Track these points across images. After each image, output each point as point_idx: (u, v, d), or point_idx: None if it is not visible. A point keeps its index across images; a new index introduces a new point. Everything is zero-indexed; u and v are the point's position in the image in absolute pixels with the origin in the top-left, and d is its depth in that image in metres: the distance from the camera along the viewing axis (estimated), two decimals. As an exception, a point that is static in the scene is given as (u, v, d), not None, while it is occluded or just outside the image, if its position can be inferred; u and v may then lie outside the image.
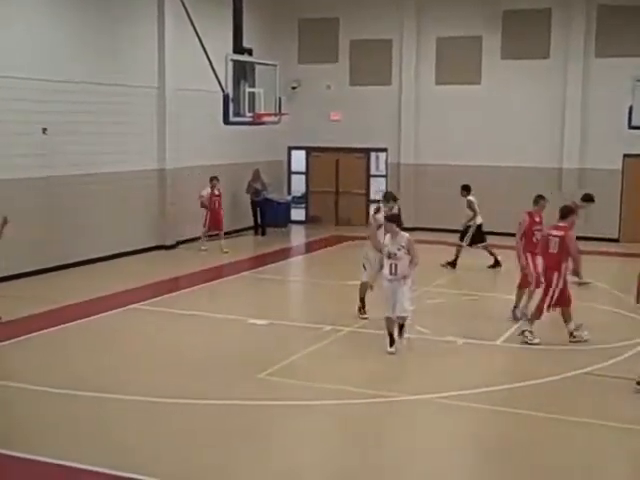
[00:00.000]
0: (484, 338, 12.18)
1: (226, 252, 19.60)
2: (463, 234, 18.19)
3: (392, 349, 11.32)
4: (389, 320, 11.41)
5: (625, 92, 19.37)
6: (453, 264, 18.05)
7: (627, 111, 18.80)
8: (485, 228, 18.37)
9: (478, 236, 18.11)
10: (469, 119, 23.47)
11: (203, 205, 20.00)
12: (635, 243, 21.06)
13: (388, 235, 11.34)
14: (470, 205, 18.10)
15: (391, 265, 11.16)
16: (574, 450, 8.27)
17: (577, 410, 9.31)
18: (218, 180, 20.17)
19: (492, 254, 18.05)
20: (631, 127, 19.26)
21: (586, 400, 9.76)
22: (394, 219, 11.48)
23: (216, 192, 20.15)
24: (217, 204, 20.21)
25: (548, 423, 8.86)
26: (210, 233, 20.25)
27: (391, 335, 11.42)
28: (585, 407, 9.47)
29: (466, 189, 18.34)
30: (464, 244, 18.11)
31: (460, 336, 12.22)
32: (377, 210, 13.07)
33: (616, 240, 22.01)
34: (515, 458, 8.06)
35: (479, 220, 18.09)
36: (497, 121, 23.22)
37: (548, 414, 9.06)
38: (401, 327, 11.56)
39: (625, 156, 22.11)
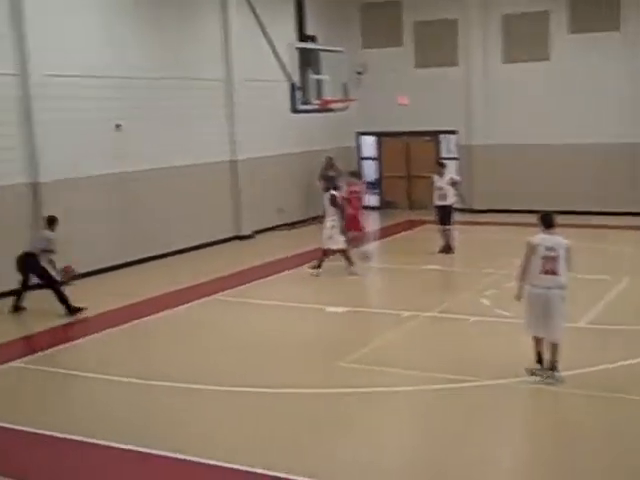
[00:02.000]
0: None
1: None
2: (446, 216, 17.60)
3: None
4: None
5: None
6: (447, 249, 17.55)
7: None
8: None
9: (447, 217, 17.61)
10: (539, 97, 23.05)
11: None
12: None
13: None
14: (454, 182, 17.70)
15: None
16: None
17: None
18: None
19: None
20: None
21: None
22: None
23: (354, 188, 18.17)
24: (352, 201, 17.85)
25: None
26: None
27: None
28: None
29: (442, 165, 17.97)
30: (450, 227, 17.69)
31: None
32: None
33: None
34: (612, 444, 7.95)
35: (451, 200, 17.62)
36: (568, 97, 22.71)
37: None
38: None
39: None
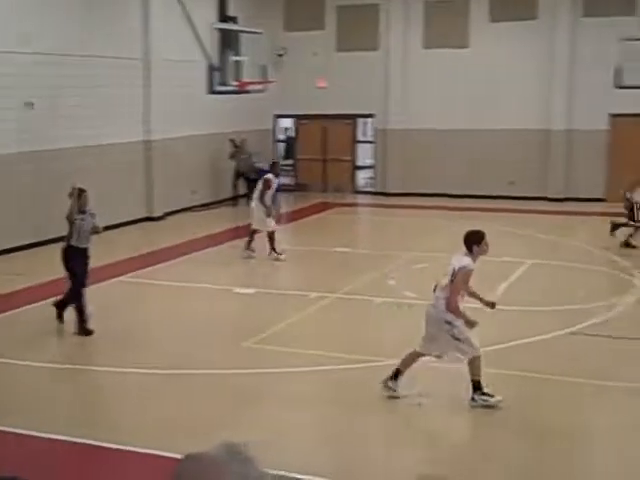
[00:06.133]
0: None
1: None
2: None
3: None
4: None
5: (612, 52, 19.34)
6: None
7: (614, 71, 18.77)
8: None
9: None
10: (458, 83, 23.36)
11: None
12: (622, 203, 21.00)
13: None
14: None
15: None
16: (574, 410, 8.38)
17: (563, 369, 9.41)
18: None
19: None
20: (618, 87, 19.30)
21: (576, 359, 9.86)
22: None
23: None
24: None
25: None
26: None
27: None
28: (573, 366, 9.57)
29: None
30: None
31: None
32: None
33: (603, 200, 22.04)
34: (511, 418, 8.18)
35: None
36: (486, 84, 23.08)
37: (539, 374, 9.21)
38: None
39: (612, 116, 22.09)
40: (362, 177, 25.95)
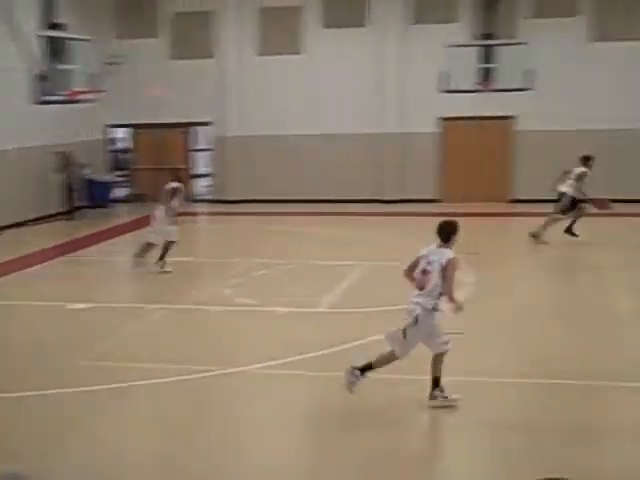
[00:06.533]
0: (306, 305, 12.38)
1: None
2: None
3: None
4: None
5: (439, 58, 20.02)
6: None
7: (441, 76, 19.48)
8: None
9: None
10: (293, 89, 23.56)
11: None
12: (456, 203, 21.85)
13: None
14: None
15: None
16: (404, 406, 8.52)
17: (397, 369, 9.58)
18: None
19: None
20: (445, 91, 20.03)
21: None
22: None
23: None
24: None
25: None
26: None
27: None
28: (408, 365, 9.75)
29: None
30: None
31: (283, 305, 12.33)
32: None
33: (439, 201, 22.81)
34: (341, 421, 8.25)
35: None
36: (320, 90, 23.42)
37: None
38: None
39: (441, 119, 22.88)
40: (201, 185, 25.78)
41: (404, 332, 8.26)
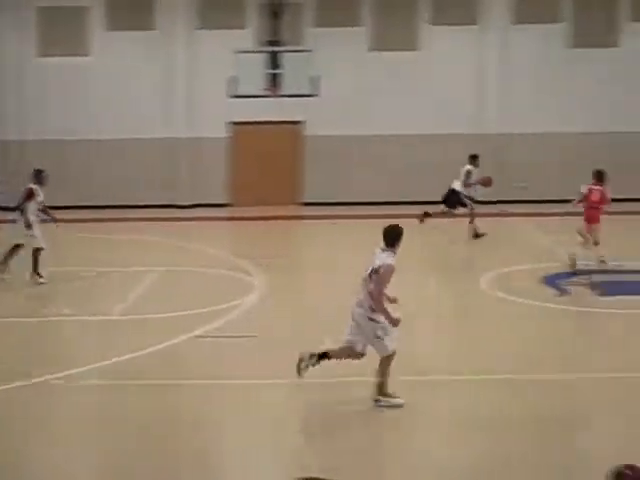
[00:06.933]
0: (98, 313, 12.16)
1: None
2: None
3: None
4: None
5: (228, 63, 20.16)
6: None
7: (229, 81, 19.66)
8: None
9: None
10: (81, 92, 22.87)
11: None
12: (247, 207, 22.05)
13: None
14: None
15: None
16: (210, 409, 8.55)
17: (195, 373, 9.61)
18: None
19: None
20: (233, 96, 20.21)
21: (203, 362, 10.10)
22: None
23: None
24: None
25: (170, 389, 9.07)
26: None
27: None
28: (202, 369, 9.80)
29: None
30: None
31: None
32: None
33: (230, 205, 22.95)
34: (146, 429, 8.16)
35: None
36: (109, 93, 22.89)
37: (169, 380, 9.31)
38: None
39: (231, 124, 23.08)
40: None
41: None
